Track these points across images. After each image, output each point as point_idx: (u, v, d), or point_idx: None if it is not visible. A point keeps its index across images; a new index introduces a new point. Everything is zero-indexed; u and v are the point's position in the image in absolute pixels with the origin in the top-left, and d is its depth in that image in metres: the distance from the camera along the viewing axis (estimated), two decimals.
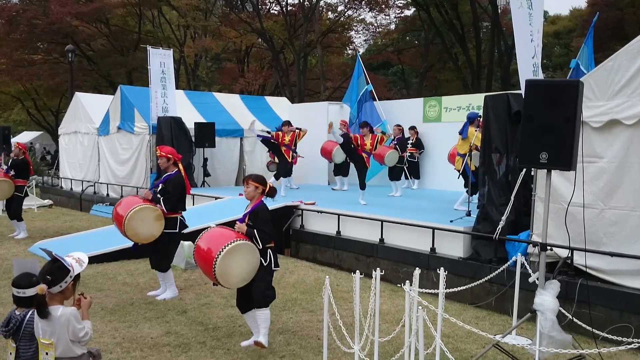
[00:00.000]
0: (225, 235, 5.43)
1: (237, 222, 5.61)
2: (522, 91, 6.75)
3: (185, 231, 7.62)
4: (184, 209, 7.65)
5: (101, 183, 17.82)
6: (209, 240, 5.47)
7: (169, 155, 7.45)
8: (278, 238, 10.70)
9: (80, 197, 18.32)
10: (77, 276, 3.62)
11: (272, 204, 10.74)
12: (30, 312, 3.44)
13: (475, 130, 9.75)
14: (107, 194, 17.19)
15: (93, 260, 9.17)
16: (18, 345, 3.45)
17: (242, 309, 5.76)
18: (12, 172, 11.77)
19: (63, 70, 30.46)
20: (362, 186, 11.58)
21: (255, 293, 5.58)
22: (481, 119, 9.79)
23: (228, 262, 5.26)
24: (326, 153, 14.37)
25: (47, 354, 3.37)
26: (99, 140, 18.15)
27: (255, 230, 5.46)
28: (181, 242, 8.91)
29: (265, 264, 5.54)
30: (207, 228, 5.69)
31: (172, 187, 7.37)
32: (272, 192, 5.75)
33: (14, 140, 26.63)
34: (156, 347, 5.73)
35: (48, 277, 3.44)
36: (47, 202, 18.67)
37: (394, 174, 13.29)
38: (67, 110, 20.91)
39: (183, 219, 7.58)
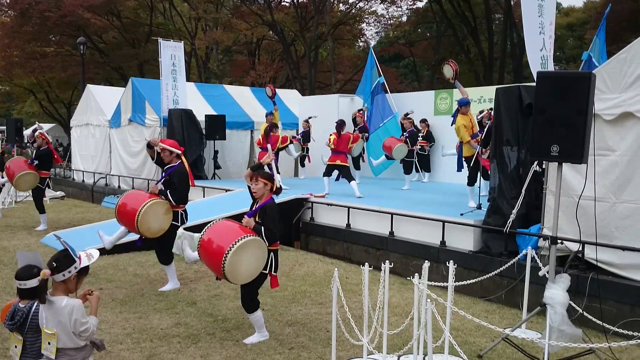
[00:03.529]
0: (234, 230, 5.38)
1: (246, 215, 5.59)
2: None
3: (195, 224, 7.63)
4: (186, 202, 7.60)
5: (113, 175, 17.92)
6: (216, 235, 5.41)
7: (171, 148, 7.41)
8: (288, 231, 10.75)
9: (92, 189, 18.45)
10: (84, 270, 3.63)
11: (282, 197, 10.80)
12: (35, 304, 3.45)
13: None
14: (119, 186, 17.28)
15: (104, 251, 9.21)
16: (25, 338, 3.47)
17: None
18: (35, 162, 11.73)
19: (75, 63, 30.59)
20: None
21: (243, 298, 5.68)
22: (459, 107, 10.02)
23: (238, 259, 5.22)
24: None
25: (49, 343, 3.38)
26: (110, 133, 18.25)
27: (262, 228, 5.43)
28: (192, 234, 8.95)
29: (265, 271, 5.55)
30: (212, 222, 5.65)
31: (178, 179, 7.34)
32: (278, 190, 5.74)
33: (26, 132, 26.73)
34: (166, 338, 5.76)
35: (53, 263, 3.47)
36: (59, 193, 18.80)
37: (406, 167, 13.23)
38: (79, 103, 21.03)
39: (185, 212, 7.59)
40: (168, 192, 7.28)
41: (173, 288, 7.57)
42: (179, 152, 7.48)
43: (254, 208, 5.67)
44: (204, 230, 5.53)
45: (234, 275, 5.31)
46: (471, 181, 9.98)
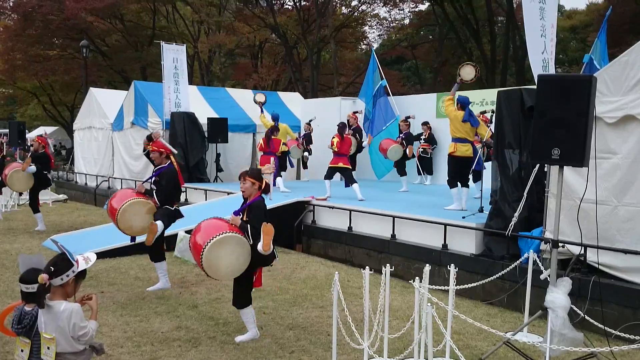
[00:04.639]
0: (217, 226, 5.46)
1: (232, 213, 5.64)
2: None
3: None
4: (178, 200, 7.78)
5: (115, 178, 17.93)
6: (201, 231, 5.52)
7: (161, 150, 7.57)
8: (289, 234, 10.74)
9: (94, 192, 18.46)
10: (82, 274, 3.63)
11: (283, 200, 10.81)
12: None
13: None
14: (121, 189, 17.29)
15: (106, 254, 9.25)
16: (32, 341, 3.45)
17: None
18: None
19: (78, 66, 30.71)
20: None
21: (234, 293, 5.75)
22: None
23: (216, 254, 5.29)
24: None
25: (48, 348, 3.38)
26: (113, 136, 18.27)
27: (248, 226, 5.49)
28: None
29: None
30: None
31: (165, 180, 7.49)
32: (266, 189, 5.78)
33: (30, 135, 26.80)
34: (166, 342, 5.75)
35: (51, 267, 3.47)
36: (61, 196, 18.82)
37: (400, 169, 13.26)
38: (82, 106, 21.07)
39: (178, 210, 7.71)
40: (154, 192, 7.40)
41: (163, 288, 7.60)
42: (169, 153, 7.66)
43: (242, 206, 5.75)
44: (195, 227, 5.66)
45: (213, 271, 5.39)
46: (465, 183, 9.96)
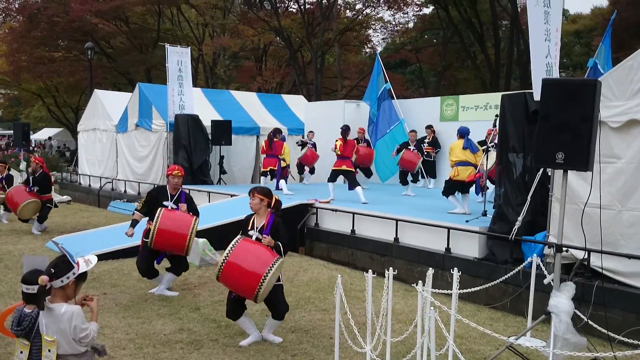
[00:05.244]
0: (264, 254, 5.46)
1: (263, 235, 5.65)
2: (534, 90, 6.71)
3: (200, 228, 7.66)
4: None
5: (119, 180, 17.97)
6: (248, 260, 5.38)
7: (182, 175, 7.69)
8: (292, 236, 10.73)
9: (98, 193, 18.51)
10: (83, 276, 3.62)
11: (287, 202, 10.80)
12: None
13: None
14: (125, 191, 17.33)
15: (109, 256, 9.26)
16: (32, 343, 3.45)
17: (234, 317, 5.81)
18: (35, 189, 11.90)
19: (83, 68, 30.77)
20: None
21: (281, 309, 5.77)
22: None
23: (271, 281, 5.36)
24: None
25: (49, 350, 3.37)
26: (117, 137, 18.31)
27: (280, 244, 5.64)
28: (197, 240, 8.96)
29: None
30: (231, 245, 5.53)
31: (194, 203, 7.73)
32: (277, 205, 5.83)
33: (34, 137, 26.81)
34: (169, 344, 5.75)
35: (52, 269, 3.45)
36: (65, 198, 18.83)
37: (403, 178, 13.28)
38: (86, 108, 21.15)
39: None
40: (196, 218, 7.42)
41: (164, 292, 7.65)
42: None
43: (257, 224, 5.75)
44: (225, 254, 5.40)
45: (263, 296, 5.44)
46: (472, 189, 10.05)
